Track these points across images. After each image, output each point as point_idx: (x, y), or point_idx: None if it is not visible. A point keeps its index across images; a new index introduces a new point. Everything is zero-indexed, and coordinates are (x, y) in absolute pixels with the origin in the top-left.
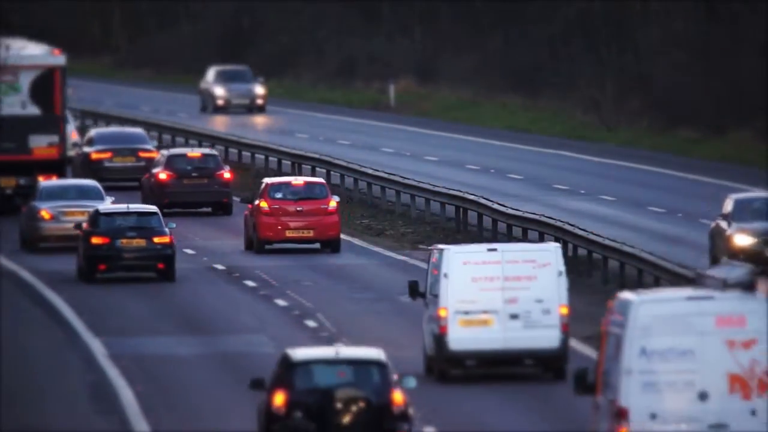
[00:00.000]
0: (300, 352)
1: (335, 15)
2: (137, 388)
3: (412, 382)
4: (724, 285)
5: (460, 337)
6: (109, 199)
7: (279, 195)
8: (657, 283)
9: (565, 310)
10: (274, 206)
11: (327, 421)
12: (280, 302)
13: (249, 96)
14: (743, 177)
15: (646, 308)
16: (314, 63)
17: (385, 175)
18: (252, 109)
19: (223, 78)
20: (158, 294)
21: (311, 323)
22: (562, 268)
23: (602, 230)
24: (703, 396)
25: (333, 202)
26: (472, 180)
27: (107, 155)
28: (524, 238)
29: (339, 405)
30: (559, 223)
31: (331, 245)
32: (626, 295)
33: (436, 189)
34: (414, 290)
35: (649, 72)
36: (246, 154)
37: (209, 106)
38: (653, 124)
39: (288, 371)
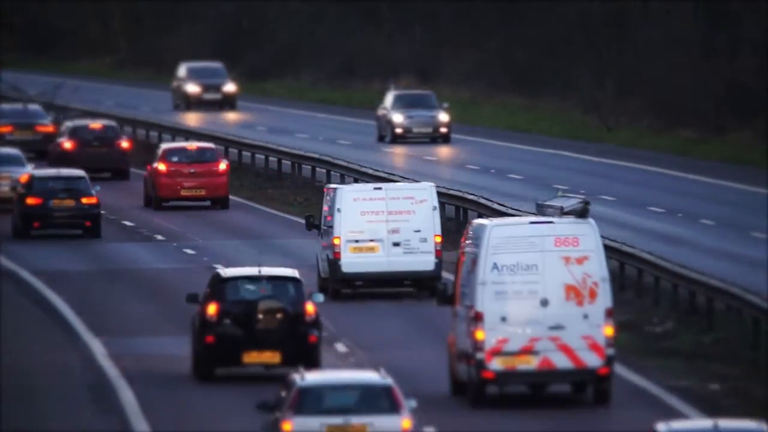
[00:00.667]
0: (229, 271)
1: (335, 15)
2: (137, 388)
3: (320, 298)
4: (561, 212)
5: (351, 262)
6: (30, 166)
7: (175, 159)
8: (657, 283)
9: (438, 239)
10: (171, 168)
11: (251, 327)
12: None
13: (432, 124)
14: (743, 177)
15: (497, 231)
16: (314, 63)
17: (385, 175)
18: (436, 138)
19: (402, 103)
20: (158, 294)
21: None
22: (436, 204)
23: (602, 230)
24: (544, 302)
25: (223, 165)
26: (472, 180)
27: (8, 129)
28: None
29: (261, 314)
30: None
31: (221, 202)
32: (480, 220)
33: (436, 189)
34: (310, 223)
35: (649, 72)
36: (246, 154)
37: (387, 134)
38: (653, 124)
39: (218, 286)
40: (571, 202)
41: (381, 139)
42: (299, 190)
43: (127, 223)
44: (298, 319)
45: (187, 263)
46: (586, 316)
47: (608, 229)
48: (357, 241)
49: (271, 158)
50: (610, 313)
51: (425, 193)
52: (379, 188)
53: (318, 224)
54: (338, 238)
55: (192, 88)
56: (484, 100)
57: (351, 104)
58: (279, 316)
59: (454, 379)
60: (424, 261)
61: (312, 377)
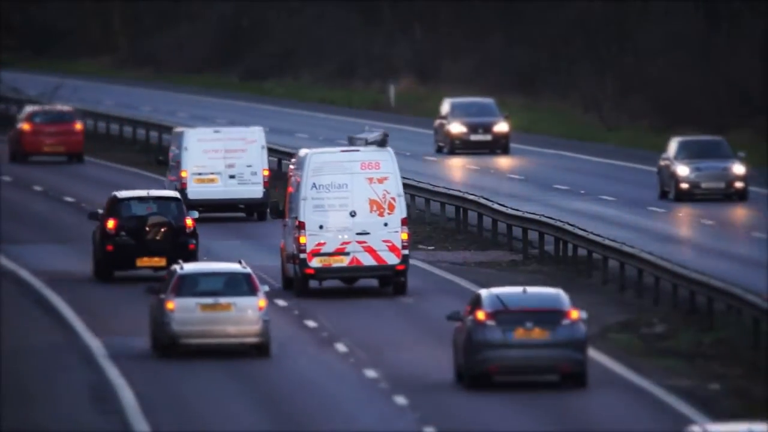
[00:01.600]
0: (122, 193)
1: (335, 15)
2: (137, 388)
3: (195, 214)
4: (366, 143)
5: (195, 191)
6: None
7: (38, 119)
8: (657, 283)
9: (266, 172)
10: (34, 128)
11: (142, 238)
12: (280, 302)
13: (724, 178)
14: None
15: (316, 158)
16: (314, 63)
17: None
18: (730, 195)
19: (688, 152)
20: None
21: (311, 323)
22: (264, 144)
23: (602, 230)
24: (352, 214)
25: (78, 126)
26: (472, 180)
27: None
28: (524, 238)
29: (149, 227)
30: (559, 223)
31: (77, 158)
32: (303, 151)
33: (436, 189)
34: (159, 160)
35: (649, 72)
36: None
37: (671, 189)
38: (653, 124)
39: (115, 206)
40: (374, 135)
41: (663, 195)
42: None
43: None
44: (179, 231)
45: None
46: (386, 224)
47: (608, 229)
48: (200, 174)
49: (271, 158)
50: (404, 222)
51: (255, 135)
52: (218, 131)
53: (164, 160)
54: (185, 171)
55: (456, 127)
56: None
57: (351, 104)
58: (164, 228)
59: (285, 276)
60: (254, 190)
61: (189, 267)
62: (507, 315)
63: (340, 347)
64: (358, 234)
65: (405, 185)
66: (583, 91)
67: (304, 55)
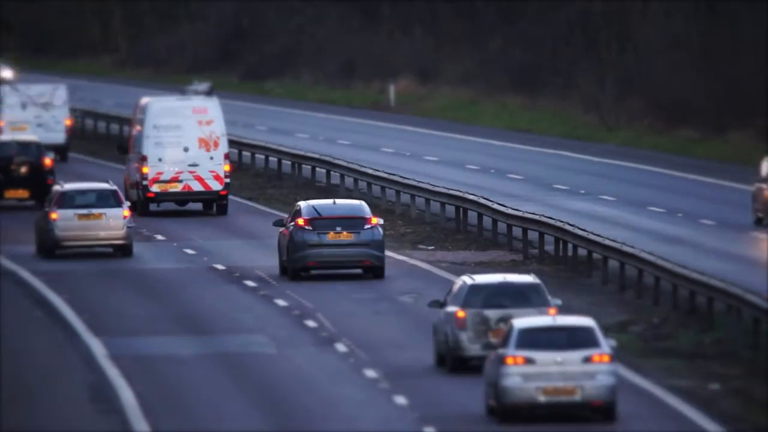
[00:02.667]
0: None
1: (335, 15)
2: (137, 388)
3: (51, 154)
4: (196, 92)
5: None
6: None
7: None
8: (657, 283)
9: (68, 122)
10: None
11: (8, 173)
12: (280, 302)
13: None
14: (743, 177)
15: (156, 104)
16: (314, 63)
17: (385, 175)
18: None
19: None
20: (158, 294)
21: (311, 323)
22: (66, 99)
23: (602, 230)
24: (186, 149)
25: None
26: (472, 180)
27: None
28: (524, 238)
29: (14, 165)
30: (559, 223)
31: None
32: (144, 99)
33: (436, 189)
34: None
35: (649, 72)
36: (246, 154)
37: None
38: (653, 124)
39: None
40: (203, 86)
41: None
42: (299, 190)
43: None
44: (40, 169)
45: (188, 263)
46: (211, 158)
47: (608, 229)
48: (14, 122)
49: (271, 158)
50: (226, 156)
51: (60, 92)
52: (16, 90)
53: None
54: (2, 122)
55: None
56: (484, 100)
57: (351, 104)
58: (26, 167)
59: (130, 200)
60: (57, 136)
61: (68, 186)
62: (321, 221)
63: (340, 347)
64: (189, 165)
65: (404, 185)
66: (583, 91)
67: (304, 55)
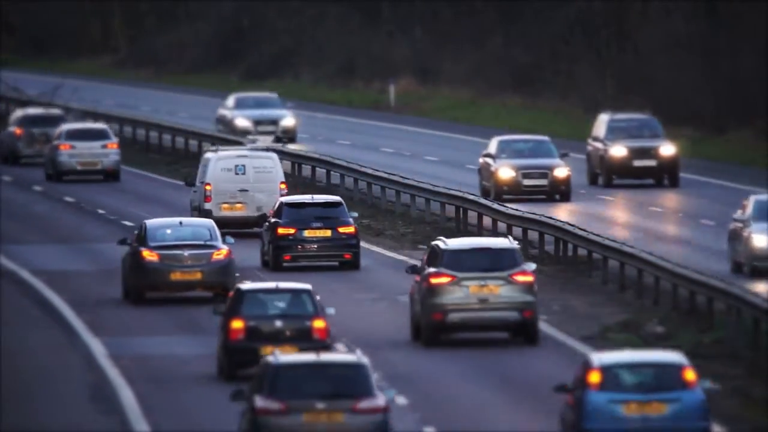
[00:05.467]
0: None
1: (335, 15)
2: (137, 388)
3: None
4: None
5: None
6: None
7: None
8: (657, 283)
9: None
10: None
11: None
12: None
13: None
14: (743, 177)
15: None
16: (314, 63)
17: (385, 175)
18: None
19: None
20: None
21: None
22: None
23: (602, 230)
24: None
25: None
26: (472, 180)
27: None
28: (524, 238)
29: None
30: (559, 223)
31: None
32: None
33: (436, 189)
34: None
35: (649, 72)
36: None
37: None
38: None
39: None
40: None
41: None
42: (300, 191)
43: (127, 223)
44: None
45: None
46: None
47: (608, 229)
48: None
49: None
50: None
51: None
52: None
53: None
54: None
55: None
56: (484, 100)
57: (351, 104)
58: None
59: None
60: None
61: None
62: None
63: (340, 347)
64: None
65: (404, 185)
66: (583, 91)
67: (304, 55)
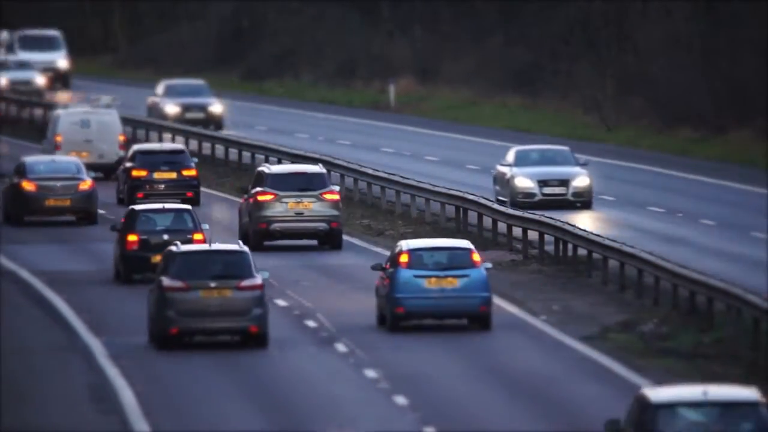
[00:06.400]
0: None
1: (335, 15)
2: (137, 388)
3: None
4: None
5: None
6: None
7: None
8: (657, 283)
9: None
10: None
11: None
12: (280, 302)
13: None
14: (743, 177)
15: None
16: (314, 63)
17: (385, 175)
18: None
19: None
20: None
21: (311, 323)
22: None
23: (602, 230)
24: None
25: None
26: (472, 180)
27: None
28: (524, 238)
29: None
30: (559, 223)
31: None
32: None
33: (436, 189)
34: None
35: (649, 72)
36: (246, 154)
37: None
38: (653, 124)
39: None
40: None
41: None
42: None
43: None
44: None
45: None
46: None
47: (608, 229)
48: None
49: (271, 158)
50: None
51: None
52: None
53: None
54: None
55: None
56: (484, 100)
57: (351, 104)
58: None
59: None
60: None
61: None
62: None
63: (340, 347)
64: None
65: (404, 185)
66: (583, 91)
67: (304, 55)
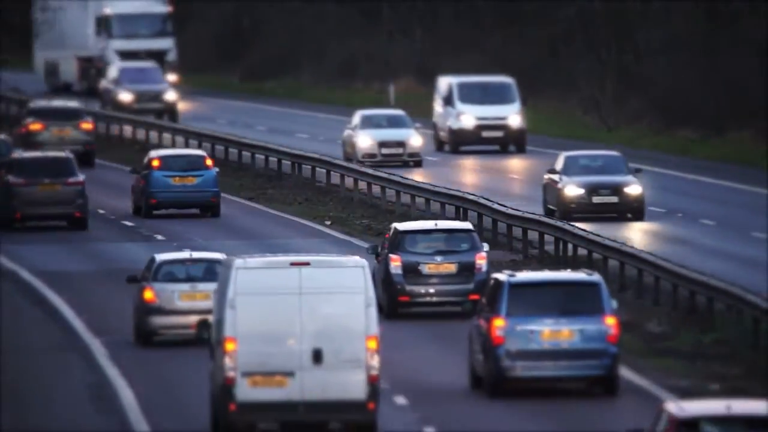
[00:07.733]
0: None
1: (335, 15)
2: (137, 388)
3: None
4: None
5: None
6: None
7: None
8: (657, 283)
9: None
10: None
11: None
12: None
13: None
14: (743, 177)
15: None
16: (314, 63)
17: (385, 175)
18: None
19: None
20: None
21: None
22: None
23: (602, 230)
24: None
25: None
26: (472, 180)
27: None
28: (524, 238)
29: None
30: (559, 223)
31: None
32: None
33: (436, 189)
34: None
35: (649, 72)
36: (246, 154)
37: None
38: (653, 124)
39: None
40: None
41: None
42: (299, 190)
43: (127, 223)
44: None
45: None
46: None
47: (609, 230)
48: None
49: (271, 158)
50: None
51: None
52: None
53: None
54: None
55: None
56: None
57: (351, 104)
58: None
59: None
60: None
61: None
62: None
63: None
64: None
65: (404, 185)
66: (583, 92)
67: (304, 55)
